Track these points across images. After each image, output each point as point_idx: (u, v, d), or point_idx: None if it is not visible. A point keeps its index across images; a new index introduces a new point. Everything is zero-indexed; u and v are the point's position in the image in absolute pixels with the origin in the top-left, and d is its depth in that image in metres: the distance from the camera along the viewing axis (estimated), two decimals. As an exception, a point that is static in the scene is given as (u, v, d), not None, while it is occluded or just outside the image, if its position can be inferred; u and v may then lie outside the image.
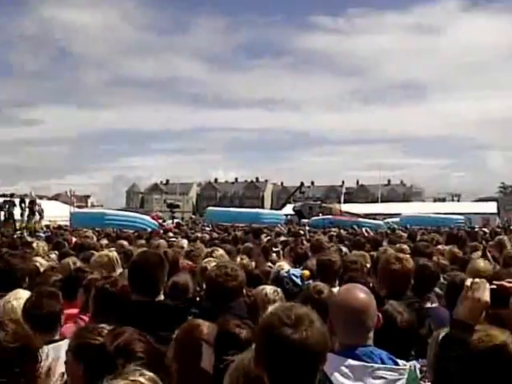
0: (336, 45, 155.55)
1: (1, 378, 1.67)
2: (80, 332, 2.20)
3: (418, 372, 2.34)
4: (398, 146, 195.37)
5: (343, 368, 1.97)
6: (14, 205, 23.08)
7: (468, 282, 2.06)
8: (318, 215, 30.32)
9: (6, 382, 1.67)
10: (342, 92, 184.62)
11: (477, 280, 2.04)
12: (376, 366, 2.01)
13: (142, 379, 1.37)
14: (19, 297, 3.27)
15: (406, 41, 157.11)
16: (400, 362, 2.11)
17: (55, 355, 2.55)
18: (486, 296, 1.99)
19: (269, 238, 10.42)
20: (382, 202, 61.88)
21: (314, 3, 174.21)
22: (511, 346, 1.86)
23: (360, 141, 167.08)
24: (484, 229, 16.92)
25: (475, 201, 60.50)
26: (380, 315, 2.17)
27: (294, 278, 3.82)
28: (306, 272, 3.95)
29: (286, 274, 3.99)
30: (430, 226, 20.74)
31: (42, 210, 24.23)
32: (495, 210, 43.57)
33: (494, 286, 2.08)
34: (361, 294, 2.13)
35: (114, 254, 4.70)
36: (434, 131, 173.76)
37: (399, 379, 2.04)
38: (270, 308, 1.81)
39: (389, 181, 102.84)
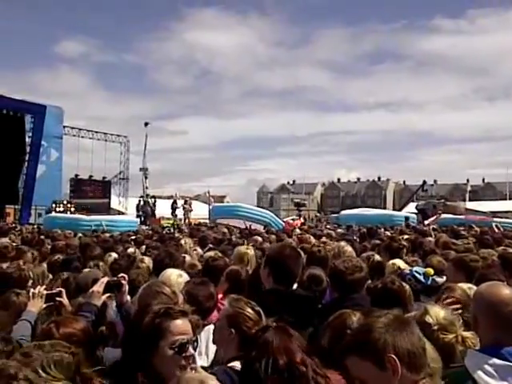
0: (458, 45, 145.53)
1: None
2: (236, 302, 2.32)
3: None
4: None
5: (487, 367, 1.83)
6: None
7: None
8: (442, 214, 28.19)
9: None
10: (466, 91, 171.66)
11: None
12: (523, 367, 1.83)
13: None
14: (180, 273, 3.43)
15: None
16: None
17: (206, 337, 2.69)
18: None
19: (391, 235, 10.02)
20: (510, 199, 55.77)
21: (435, 8, 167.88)
22: None
23: (485, 138, 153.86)
24: None
25: None
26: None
27: (416, 275, 3.70)
28: (430, 270, 3.79)
29: (408, 272, 3.89)
30: None
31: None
32: None
33: None
34: (508, 290, 1.97)
35: (252, 251, 4.87)
36: None
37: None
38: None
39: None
